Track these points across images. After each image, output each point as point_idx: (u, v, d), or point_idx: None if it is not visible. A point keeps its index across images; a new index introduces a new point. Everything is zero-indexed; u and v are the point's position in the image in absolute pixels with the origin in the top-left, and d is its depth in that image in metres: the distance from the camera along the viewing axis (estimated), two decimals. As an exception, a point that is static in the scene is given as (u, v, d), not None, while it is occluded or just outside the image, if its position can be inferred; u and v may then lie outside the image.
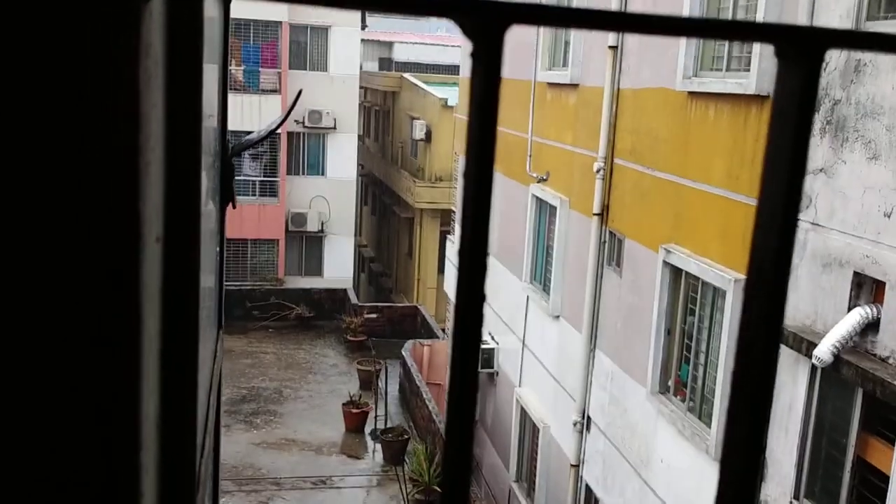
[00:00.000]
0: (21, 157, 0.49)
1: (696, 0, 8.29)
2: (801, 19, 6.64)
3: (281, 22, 24.26)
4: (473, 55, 0.39)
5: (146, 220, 0.56)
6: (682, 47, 8.41)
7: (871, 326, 5.93)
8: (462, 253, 0.40)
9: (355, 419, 17.11)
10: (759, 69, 7.14)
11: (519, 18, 0.40)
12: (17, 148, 0.49)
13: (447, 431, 0.42)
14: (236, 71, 24.06)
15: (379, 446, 16.33)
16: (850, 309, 6.08)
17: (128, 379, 0.55)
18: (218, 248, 1.86)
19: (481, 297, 0.41)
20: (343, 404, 17.38)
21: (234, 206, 1.90)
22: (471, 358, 0.41)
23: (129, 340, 0.55)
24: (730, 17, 7.92)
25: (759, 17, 7.16)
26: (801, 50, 0.45)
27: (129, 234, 0.52)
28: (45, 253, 0.51)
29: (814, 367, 6.38)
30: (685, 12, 8.33)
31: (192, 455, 0.98)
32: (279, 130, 24.24)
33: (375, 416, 16.91)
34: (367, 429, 17.11)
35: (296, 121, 24.85)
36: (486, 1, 0.39)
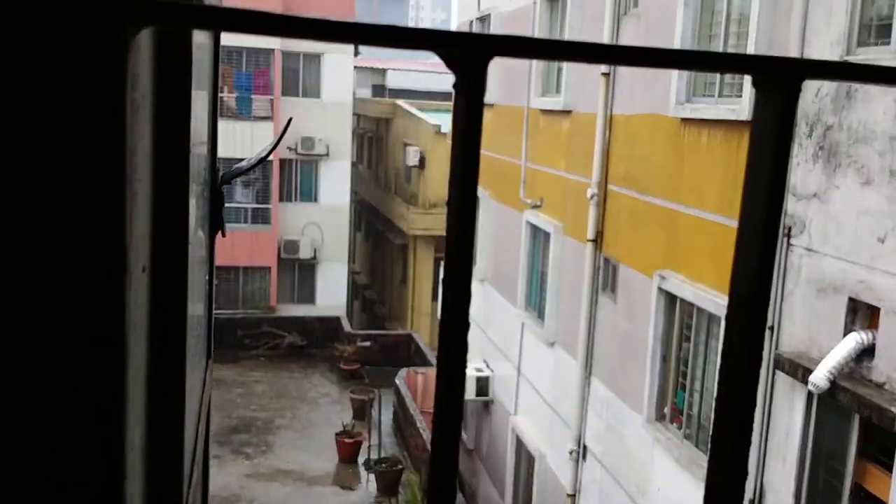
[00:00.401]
0: (5, 187, 0.50)
1: (689, 26, 8.36)
2: (793, 45, 6.69)
3: (273, 49, 24.40)
4: (456, 87, 0.41)
5: (132, 250, 0.57)
6: (675, 73, 8.46)
7: (867, 352, 5.91)
8: (446, 282, 0.41)
9: (348, 449, 16.94)
10: (751, 95, 7.17)
11: (500, 51, 0.41)
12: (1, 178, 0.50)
13: (433, 450, 0.42)
14: (228, 98, 24.14)
15: (373, 477, 16.15)
16: (845, 334, 6.05)
17: (111, 408, 0.55)
18: (207, 277, 1.84)
19: (465, 324, 0.43)
20: (336, 434, 17.21)
21: (223, 235, 1.87)
22: (457, 375, 0.43)
23: (113, 370, 0.54)
24: (721, 42, 7.99)
25: (751, 42, 7.22)
26: (778, 80, 0.46)
27: (114, 264, 0.52)
28: (27, 285, 0.51)
29: (810, 394, 6.34)
30: (677, 36, 8.40)
31: (179, 486, 0.95)
32: (271, 157, 24.27)
33: (369, 446, 16.75)
34: (361, 459, 16.94)
35: (288, 147, 24.89)
36: (467, 34, 0.40)
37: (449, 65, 0.40)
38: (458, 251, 0.40)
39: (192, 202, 1.35)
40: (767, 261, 0.47)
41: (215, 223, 1.81)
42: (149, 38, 0.67)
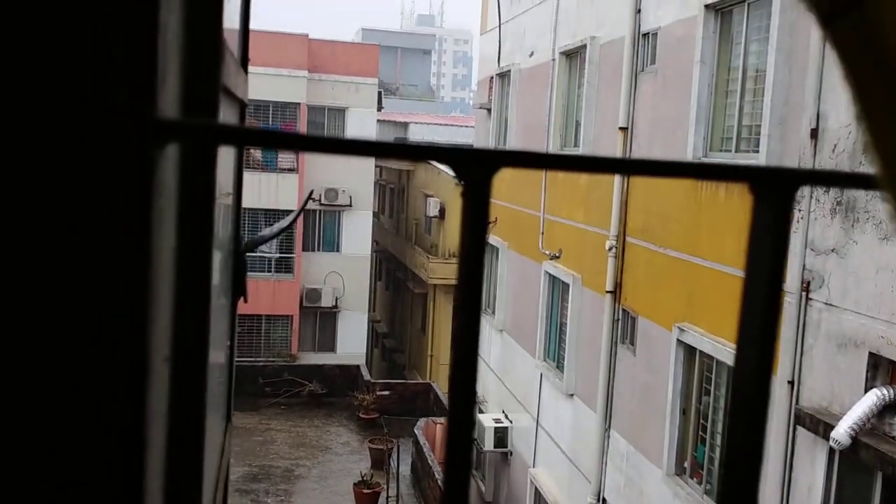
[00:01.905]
0: (31, 287, 0.52)
1: (705, 82, 8.49)
2: (809, 101, 6.77)
3: (299, 103, 24.89)
4: (464, 195, 0.44)
5: (154, 345, 0.60)
6: (692, 127, 8.57)
7: (889, 408, 5.85)
8: (451, 381, 0.44)
9: (367, 500, 16.79)
10: (768, 149, 7.25)
11: (505, 163, 0.45)
12: (28, 278, 0.52)
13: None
14: (255, 150, 24.57)
15: (390, 528, 15.98)
16: (866, 390, 6.01)
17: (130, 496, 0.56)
18: (229, 343, 1.89)
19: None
20: (354, 484, 17.09)
21: (245, 301, 1.94)
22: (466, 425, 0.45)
23: (134, 470, 0.55)
24: (737, 98, 8.09)
25: (767, 98, 7.32)
26: (773, 188, 0.48)
27: (136, 359, 0.54)
28: (53, 382, 0.52)
29: (832, 450, 6.27)
30: (693, 93, 8.52)
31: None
32: (295, 208, 24.58)
33: (387, 497, 16.60)
34: (379, 509, 16.78)
35: (312, 198, 25.20)
36: (476, 148, 0.45)
37: (458, 175, 0.44)
38: (465, 345, 0.44)
39: (216, 273, 1.42)
40: (766, 361, 0.48)
41: (238, 290, 1.86)
42: (176, 149, 0.72)
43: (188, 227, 0.78)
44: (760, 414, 0.48)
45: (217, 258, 1.40)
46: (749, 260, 0.49)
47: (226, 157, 1.59)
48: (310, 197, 3.67)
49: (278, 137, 0.48)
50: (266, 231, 2.96)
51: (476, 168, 0.44)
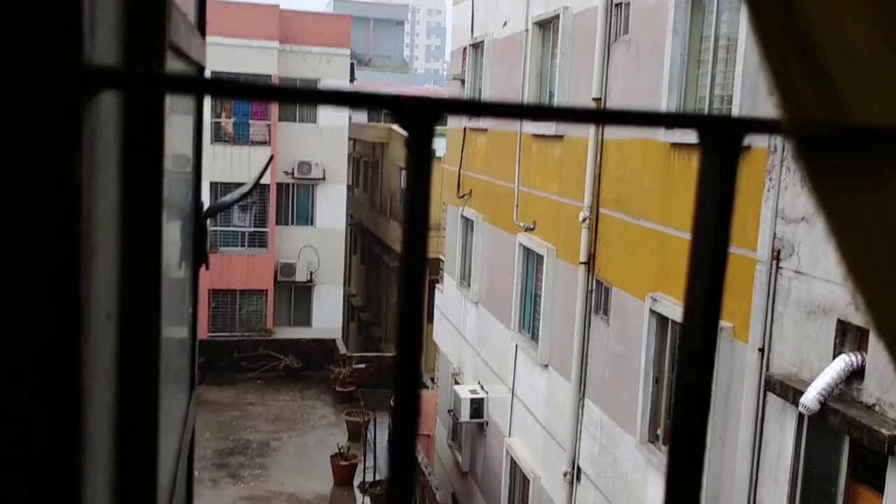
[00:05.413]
0: None
1: (677, 52, 8.47)
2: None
3: (270, 75, 24.58)
4: (407, 144, 0.44)
5: (94, 299, 0.57)
6: (665, 96, 8.57)
7: (857, 374, 5.95)
8: (399, 328, 0.45)
9: (344, 472, 16.88)
10: (739, 120, 7.27)
11: (446, 111, 0.45)
12: None
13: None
14: (226, 123, 24.27)
15: (368, 499, 16.09)
16: (835, 356, 6.10)
17: (66, 462, 0.54)
18: (191, 309, 1.87)
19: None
20: (331, 456, 17.16)
21: (206, 268, 1.92)
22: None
23: (69, 420, 0.54)
24: (710, 67, 8.09)
25: (738, 67, 7.32)
26: (721, 137, 0.47)
27: (68, 315, 0.52)
28: None
29: (801, 416, 6.37)
30: (666, 62, 8.52)
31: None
32: (268, 181, 24.38)
33: (364, 469, 16.70)
34: (356, 481, 16.88)
35: (285, 172, 25.01)
36: (417, 97, 0.44)
37: (401, 124, 0.44)
38: (406, 298, 0.44)
39: (174, 236, 1.39)
40: (713, 314, 0.49)
41: (199, 256, 1.84)
42: (115, 97, 0.70)
43: (134, 179, 0.76)
44: (707, 365, 0.49)
45: (174, 221, 1.36)
46: (697, 210, 0.48)
47: (183, 122, 1.55)
48: (269, 162, 3.64)
49: (216, 85, 0.47)
50: (227, 197, 2.93)
51: (419, 115, 0.44)
